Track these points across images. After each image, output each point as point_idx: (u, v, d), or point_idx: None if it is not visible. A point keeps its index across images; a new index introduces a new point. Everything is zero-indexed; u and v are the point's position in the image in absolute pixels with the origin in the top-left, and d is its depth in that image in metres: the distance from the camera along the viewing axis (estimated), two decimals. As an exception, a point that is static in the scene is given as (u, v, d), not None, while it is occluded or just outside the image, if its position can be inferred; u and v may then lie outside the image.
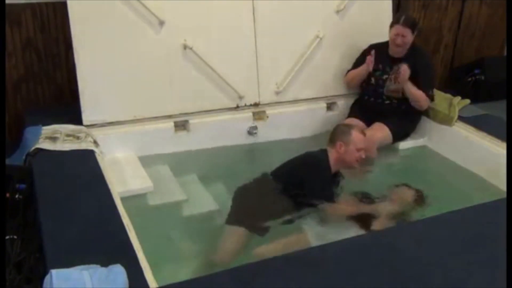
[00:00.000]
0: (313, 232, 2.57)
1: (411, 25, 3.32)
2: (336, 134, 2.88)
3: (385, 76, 3.42)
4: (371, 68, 3.41)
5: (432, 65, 3.70)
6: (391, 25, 3.36)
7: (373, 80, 3.47)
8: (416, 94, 3.35)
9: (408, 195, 2.87)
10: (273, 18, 3.39)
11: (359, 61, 3.55)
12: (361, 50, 3.57)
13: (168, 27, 3.14)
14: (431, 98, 3.41)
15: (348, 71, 3.60)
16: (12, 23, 3.14)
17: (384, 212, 2.69)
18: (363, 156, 2.86)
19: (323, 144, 2.92)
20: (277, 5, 3.38)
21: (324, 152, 2.86)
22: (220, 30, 3.27)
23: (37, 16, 3.19)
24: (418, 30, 3.41)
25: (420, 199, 2.85)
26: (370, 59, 3.40)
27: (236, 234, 2.55)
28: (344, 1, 3.55)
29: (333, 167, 2.84)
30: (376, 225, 2.60)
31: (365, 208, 2.75)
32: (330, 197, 2.75)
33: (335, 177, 2.90)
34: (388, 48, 3.43)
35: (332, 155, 2.83)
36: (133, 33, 3.07)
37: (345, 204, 2.78)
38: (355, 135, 2.83)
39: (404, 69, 3.30)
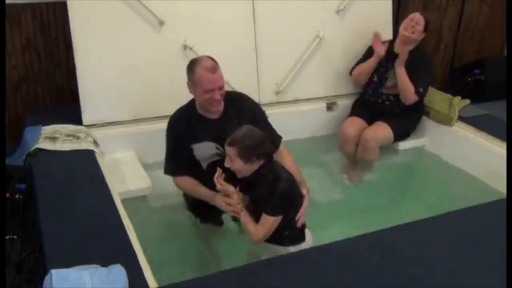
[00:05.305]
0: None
1: (427, 21, 3.31)
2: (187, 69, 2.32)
3: (388, 73, 3.41)
4: (383, 53, 3.35)
5: (431, 67, 3.62)
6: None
7: (376, 77, 3.45)
8: (405, 81, 3.28)
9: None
10: (273, 18, 3.39)
11: (366, 56, 3.51)
12: (360, 50, 3.57)
13: (168, 27, 3.14)
14: (420, 96, 3.34)
15: (353, 67, 3.56)
16: (12, 23, 3.14)
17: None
18: (217, 98, 2.28)
19: (323, 144, 2.89)
20: (277, 5, 3.38)
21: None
22: (220, 30, 3.27)
23: (37, 16, 3.19)
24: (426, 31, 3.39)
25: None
26: (380, 44, 3.34)
27: None
28: (344, 1, 3.55)
29: (207, 113, 2.35)
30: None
31: (206, 193, 2.32)
32: (172, 167, 2.39)
33: (218, 125, 2.34)
34: (393, 45, 3.41)
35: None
36: (133, 33, 3.07)
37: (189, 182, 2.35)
38: (200, 73, 2.25)
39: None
